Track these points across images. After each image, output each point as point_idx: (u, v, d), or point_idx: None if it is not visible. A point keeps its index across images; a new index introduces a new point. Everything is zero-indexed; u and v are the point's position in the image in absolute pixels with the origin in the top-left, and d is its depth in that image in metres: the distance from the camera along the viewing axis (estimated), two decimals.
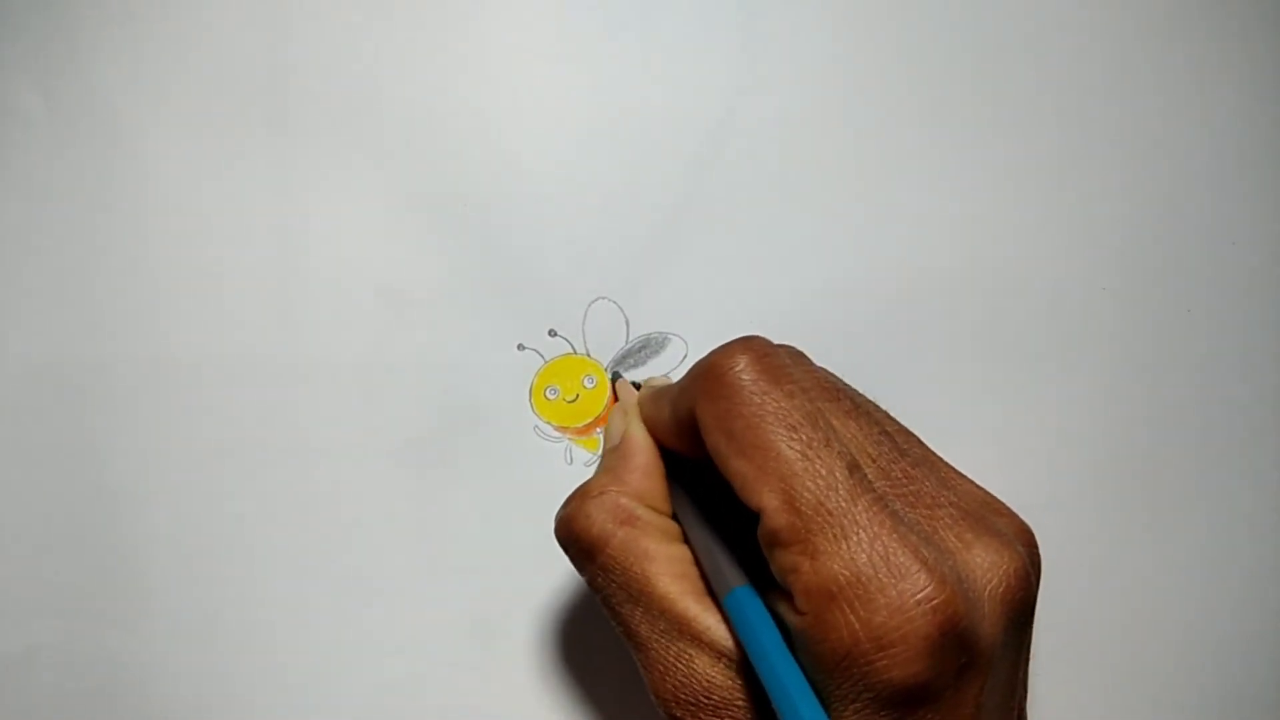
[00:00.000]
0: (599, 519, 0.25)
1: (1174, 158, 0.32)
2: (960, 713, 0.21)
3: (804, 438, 0.22)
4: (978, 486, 0.24)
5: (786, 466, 0.22)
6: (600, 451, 0.31)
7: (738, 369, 0.23)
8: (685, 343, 0.31)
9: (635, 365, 0.32)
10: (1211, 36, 0.32)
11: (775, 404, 0.23)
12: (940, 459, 0.25)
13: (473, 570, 0.31)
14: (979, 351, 0.32)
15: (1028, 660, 0.24)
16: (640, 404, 0.28)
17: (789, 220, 0.32)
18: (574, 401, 0.31)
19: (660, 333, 0.32)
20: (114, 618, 0.31)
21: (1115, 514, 0.32)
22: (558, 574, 0.31)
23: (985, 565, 0.22)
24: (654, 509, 0.25)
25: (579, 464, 0.31)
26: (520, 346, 0.31)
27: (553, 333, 0.31)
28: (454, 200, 0.32)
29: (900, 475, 0.23)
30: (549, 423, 0.31)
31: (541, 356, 0.31)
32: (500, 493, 0.31)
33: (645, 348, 0.31)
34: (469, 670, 0.31)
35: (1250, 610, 0.32)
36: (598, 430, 0.32)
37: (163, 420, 0.31)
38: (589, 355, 0.32)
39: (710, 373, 0.23)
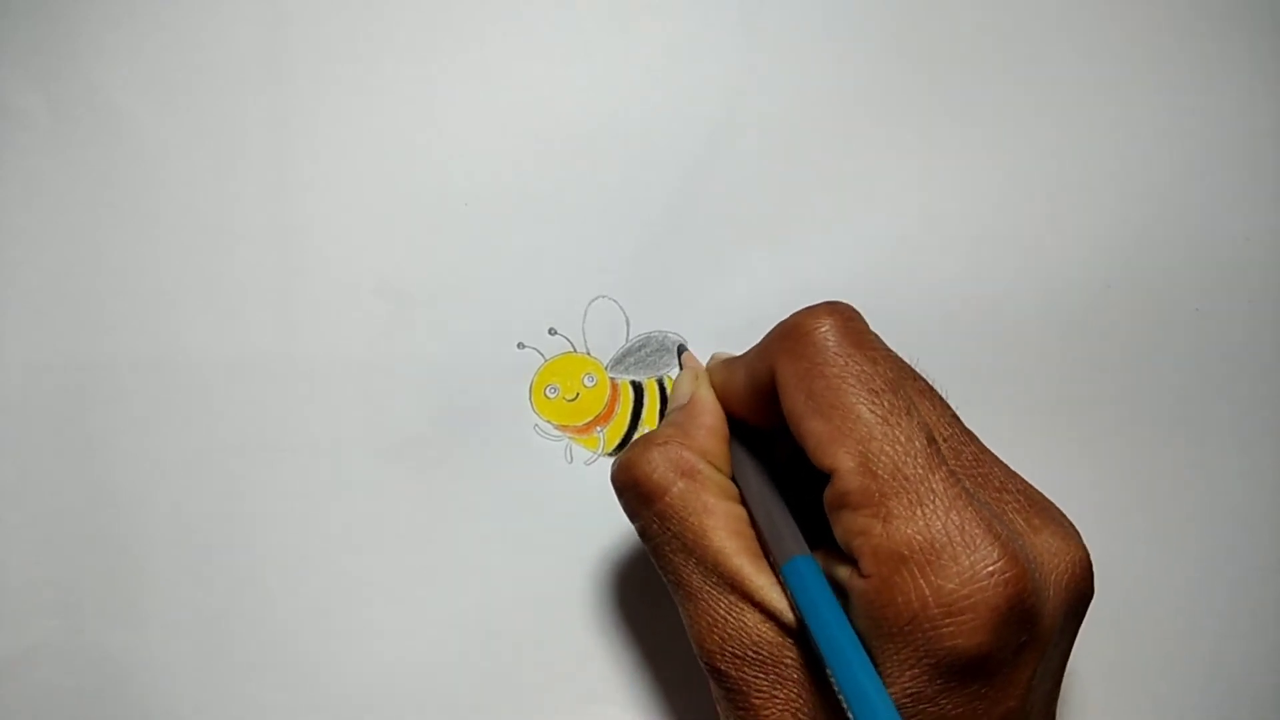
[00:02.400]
0: (661, 466, 0.25)
1: (1183, 153, 0.32)
2: (1012, 691, 0.21)
3: (886, 403, 0.22)
4: (1035, 488, 0.24)
5: (866, 429, 0.22)
6: (600, 451, 0.31)
7: (823, 330, 0.23)
8: (685, 342, 0.31)
9: (636, 364, 0.32)
10: (1222, 29, 0.32)
11: (859, 367, 0.23)
12: (998, 457, 0.25)
13: (472, 569, 0.31)
14: (982, 350, 0.32)
15: (1068, 659, 0.24)
16: (710, 370, 0.28)
17: (789, 219, 0.32)
18: (574, 400, 0.31)
19: (660, 332, 0.32)
20: (114, 617, 0.31)
21: (1118, 513, 0.32)
22: (558, 572, 0.31)
23: (1052, 550, 0.22)
24: (715, 467, 0.25)
25: (579, 462, 0.31)
26: (520, 345, 0.31)
27: (553, 331, 0.31)
28: (454, 200, 0.32)
29: (969, 459, 0.24)
30: (549, 421, 0.31)
31: (541, 355, 0.31)
32: (500, 491, 0.31)
33: (645, 346, 0.31)
34: (469, 668, 0.31)
35: (1252, 609, 0.32)
36: (598, 429, 0.32)
37: (163, 419, 0.31)
38: (589, 354, 0.32)
39: (795, 332, 0.24)
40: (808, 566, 0.22)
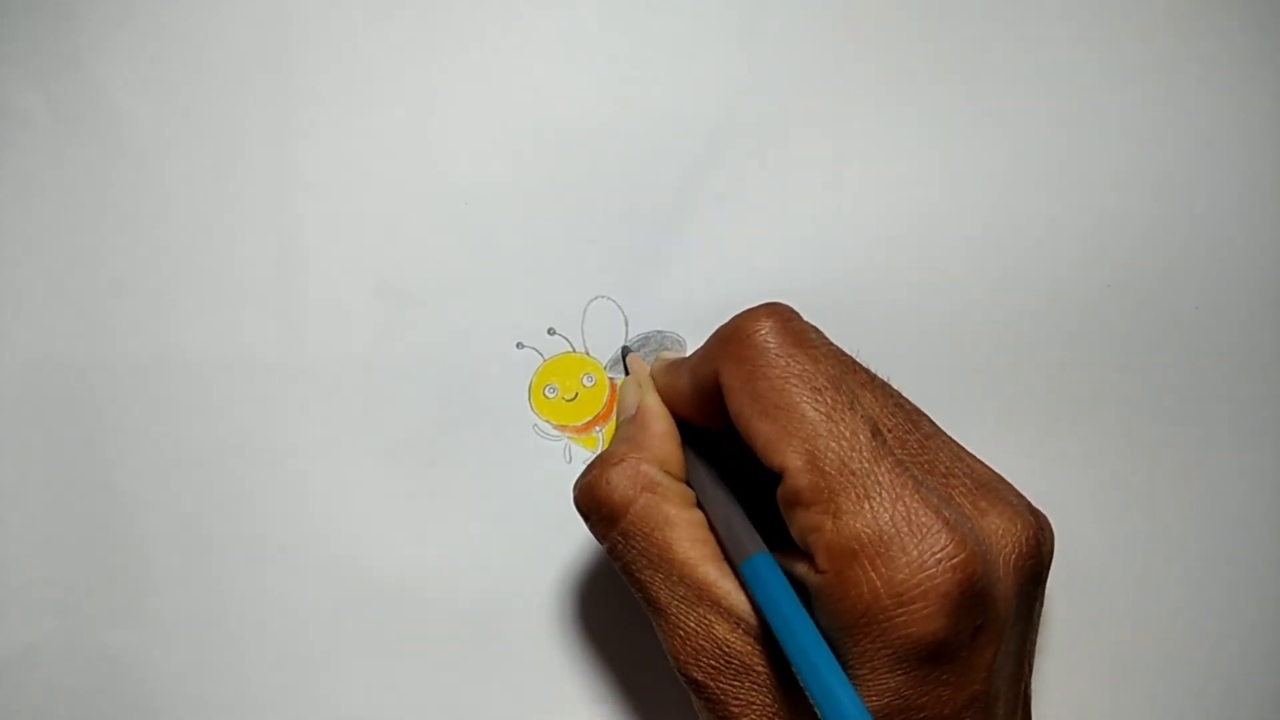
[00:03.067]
0: (620, 485, 0.25)
1: (1183, 153, 0.32)
2: (974, 675, 0.21)
3: (829, 400, 0.22)
4: (985, 464, 0.25)
5: (811, 427, 0.22)
6: (599, 450, 0.31)
7: (763, 332, 0.24)
8: (685, 341, 0.31)
9: None
10: (1222, 28, 0.32)
11: (800, 367, 0.23)
12: (949, 437, 0.25)
13: (472, 568, 0.31)
14: (982, 349, 0.32)
15: (1035, 638, 0.24)
16: (654, 375, 0.28)
17: (789, 219, 0.32)
18: (573, 400, 0.31)
19: (659, 331, 0.32)
20: (114, 617, 0.31)
21: (1116, 512, 0.32)
22: (557, 571, 0.31)
23: (1000, 531, 0.23)
24: (672, 475, 0.26)
25: (578, 462, 0.31)
26: (519, 345, 0.31)
27: (552, 331, 0.32)
28: (454, 199, 0.32)
29: (915, 446, 0.24)
30: (548, 421, 0.31)
31: (540, 355, 0.31)
32: (499, 491, 0.31)
33: (644, 346, 0.31)
34: (468, 668, 0.31)
35: (1249, 608, 0.32)
36: (597, 429, 0.32)
37: (163, 419, 0.31)
38: (588, 354, 0.32)
39: (735, 336, 0.24)
40: (765, 564, 0.22)
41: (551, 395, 0.31)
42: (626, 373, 0.31)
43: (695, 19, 0.32)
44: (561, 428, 0.31)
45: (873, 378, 0.25)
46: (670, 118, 0.32)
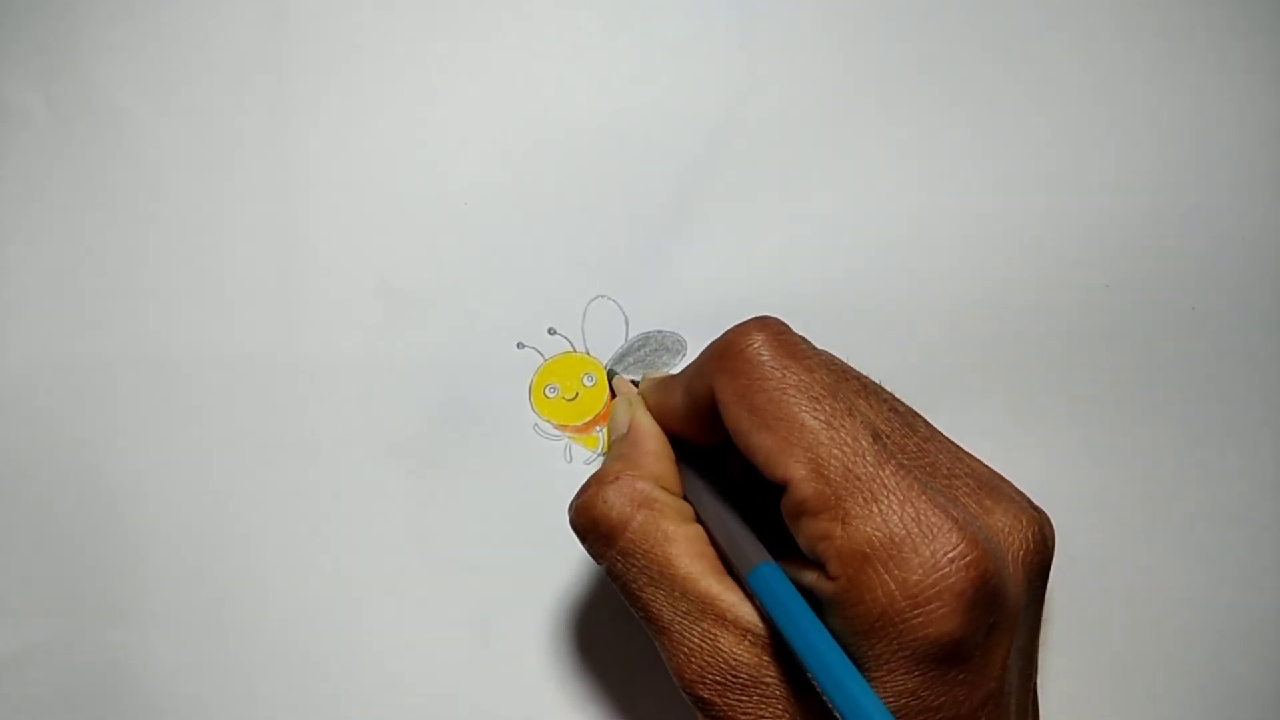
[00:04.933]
0: (617, 503, 0.25)
1: (1180, 153, 0.32)
2: (988, 673, 0.21)
3: (827, 408, 0.23)
4: (983, 463, 0.25)
5: (812, 436, 0.22)
6: (600, 450, 0.31)
7: (756, 345, 0.24)
8: (685, 341, 0.31)
9: (636, 363, 0.32)
10: (1220, 28, 0.32)
11: (796, 377, 0.23)
12: (946, 437, 0.25)
13: (472, 568, 0.31)
14: (980, 348, 0.32)
15: (1039, 634, 0.24)
16: (644, 394, 0.28)
17: (789, 219, 0.32)
18: (573, 400, 0.31)
19: (659, 331, 0.32)
20: (113, 616, 0.31)
21: (1114, 512, 0.32)
22: (557, 572, 0.31)
23: (1006, 528, 0.23)
24: (668, 491, 0.26)
25: (578, 462, 0.31)
26: (519, 345, 0.31)
27: (552, 331, 0.32)
28: (454, 199, 0.32)
29: (914, 449, 0.24)
30: (548, 421, 0.31)
31: (541, 355, 0.31)
32: (499, 491, 0.31)
33: (644, 346, 0.31)
34: (468, 668, 0.31)
35: (1249, 607, 0.32)
36: (597, 428, 0.32)
37: (162, 418, 0.31)
38: (588, 353, 0.32)
39: (729, 350, 0.24)
40: (772, 573, 0.22)
41: (552, 395, 0.31)
42: (613, 394, 0.31)
43: (695, 19, 0.32)
44: (562, 427, 0.31)
45: (865, 384, 0.25)
46: (670, 118, 0.32)
